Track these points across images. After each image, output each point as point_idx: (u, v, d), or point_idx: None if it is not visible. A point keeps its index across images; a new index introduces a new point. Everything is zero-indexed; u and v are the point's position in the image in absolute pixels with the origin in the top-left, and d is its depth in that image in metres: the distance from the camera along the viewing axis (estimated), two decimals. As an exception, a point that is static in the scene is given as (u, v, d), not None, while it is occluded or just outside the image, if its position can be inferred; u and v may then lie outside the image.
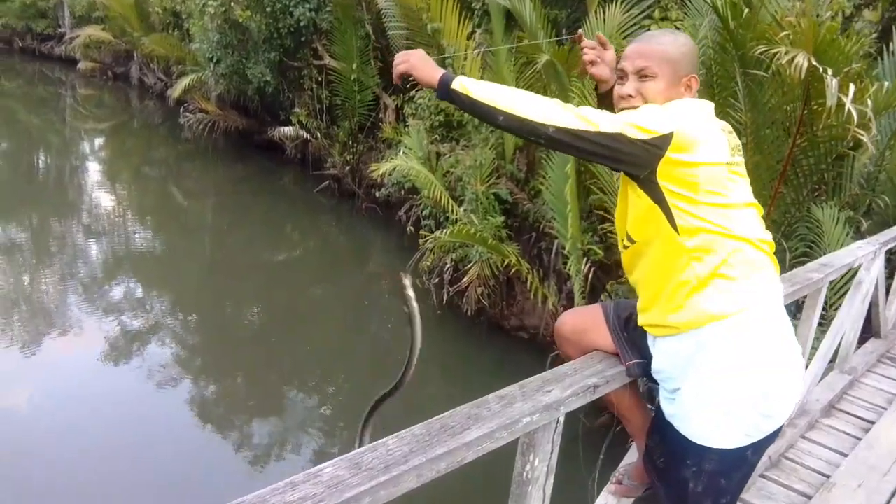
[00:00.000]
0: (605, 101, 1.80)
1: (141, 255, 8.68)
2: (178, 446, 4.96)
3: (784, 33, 4.48)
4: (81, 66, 20.17)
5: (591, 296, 5.75)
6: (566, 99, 4.89)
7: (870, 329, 4.32)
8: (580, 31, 1.92)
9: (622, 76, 1.69)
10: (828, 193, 5.15)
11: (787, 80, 4.56)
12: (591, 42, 1.79)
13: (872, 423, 3.40)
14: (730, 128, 1.63)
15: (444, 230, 6.07)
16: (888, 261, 4.32)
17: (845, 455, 3.09)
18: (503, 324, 6.83)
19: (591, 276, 5.60)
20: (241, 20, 9.87)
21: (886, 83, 4.78)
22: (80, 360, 5.93)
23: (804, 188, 5.06)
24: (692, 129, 1.51)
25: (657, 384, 1.72)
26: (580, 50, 1.80)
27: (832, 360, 3.70)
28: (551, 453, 1.56)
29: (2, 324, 6.34)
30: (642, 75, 1.64)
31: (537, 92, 1.62)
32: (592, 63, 1.79)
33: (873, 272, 3.68)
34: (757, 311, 1.55)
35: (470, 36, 7.62)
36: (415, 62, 1.60)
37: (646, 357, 1.75)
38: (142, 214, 10.46)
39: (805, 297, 2.97)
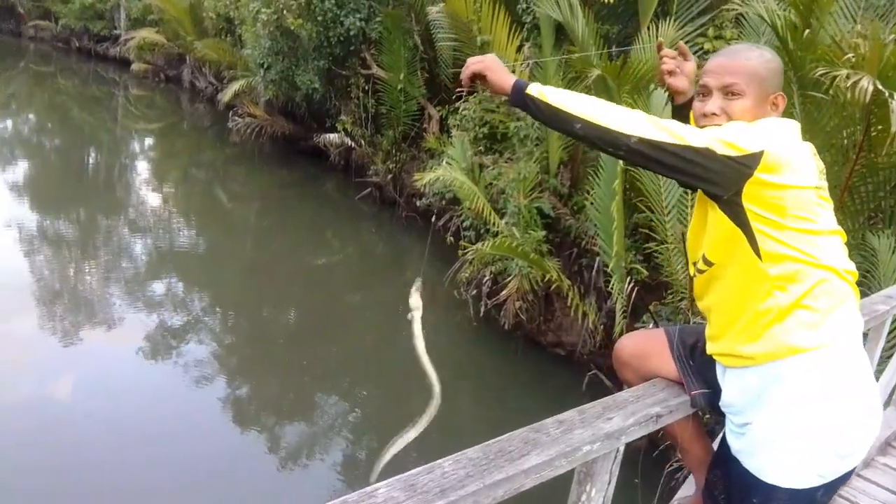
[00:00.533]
0: (679, 115, 1.73)
1: (184, 254, 8.84)
2: (210, 442, 5.01)
3: (847, 56, 4.34)
4: (134, 67, 20.69)
5: (633, 315, 5.65)
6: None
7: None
8: (661, 38, 1.86)
9: (704, 92, 1.60)
10: (884, 221, 4.96)
11: (847, 104, 4.42)
12: (670, 51, 1.72)
13: (931, 463, 3.24)
14: (814, 150, 1.54)
15: (485, 242, 6.03)
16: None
17: (903, 496, 2.94)
18: (540, 339, 6.75)
19: (633, 295, 5.50)
20: (292, 28, 10.02)
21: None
22: (120, 352, 6.05)
23: (860, 215, 4.88)
24: (782, 149, 1.42)
25: (723, 416, 1.64)
26: (659, 59, 1.74)
27: (889, 396, 3.54)
28: (609, 484, 1.50)
29: (48, 315, 6.50)
30: (728, 92, 1.56)
31: None
32: (671, 73, 1.72)
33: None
34: (839, 346, 1.47)
35: (519, 49, 7.60)
36: (490, 63, 1.57)
37: (712, 387, 1.67)
38: (187, 215, 10.66)
39: (868, 329, 2.85)
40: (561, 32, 7.08)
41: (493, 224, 6.58)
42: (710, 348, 1.64)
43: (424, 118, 10.25)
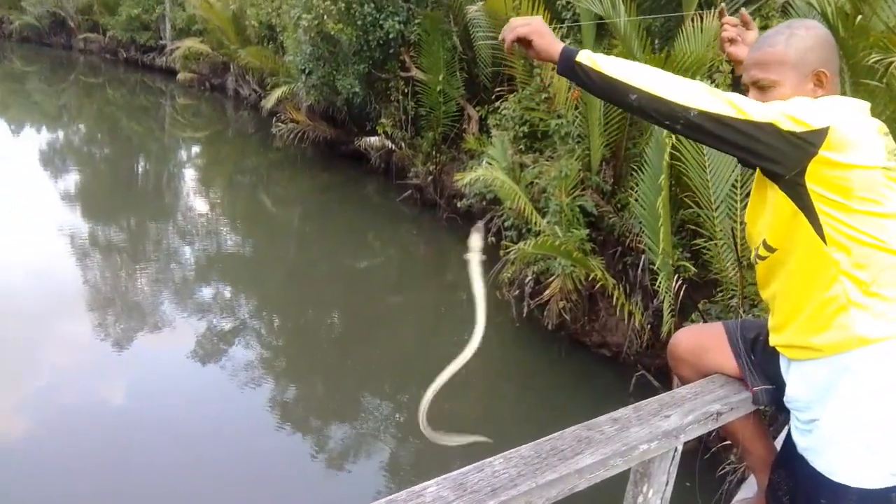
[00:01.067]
0: (738, 87, 1.64)
1: (230, 258, 8.99)
2: (256, 442, 5.06)
3: (903, 41, 4.15)
4: (180, 76, 21.18)
5: (681, 314, 5.50)
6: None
7: None
8: (722, 4, 1.80)
9: (745, 87, 1.54)
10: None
11: (902, 92, 4.21)
12: (732, 19, 1.65)
13: None
14: (886, 129, 1.42)
15: (527, 241, 5.96)
16: None
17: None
18: (584, 340, 6.63)
19: (681, 293, 5.36)
20: (332, 33, 10.11)
21: None
22: (169, 355, 6.17)
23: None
24: (849, 126, 1.33)
25: (787, 413, 1.55)
26: (720, 26, 1.67)
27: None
28: (666, 485, 1.43)
29: (100, 319, 6.67)
30: (760, 87, 1.48)
31: None
32: (732, 41, 1.65)
33: None
34: None
35: (559, 45, 7.50)
36: (537, 27, 1.46)
37: (774, 383, 1.58)
38: (232, 219, 10.85)
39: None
40: (602, 27, 6.96)
41: (535, 223, 6.51)
42: (774, 340, 1.55)
43: (464, 119, 10.24)
